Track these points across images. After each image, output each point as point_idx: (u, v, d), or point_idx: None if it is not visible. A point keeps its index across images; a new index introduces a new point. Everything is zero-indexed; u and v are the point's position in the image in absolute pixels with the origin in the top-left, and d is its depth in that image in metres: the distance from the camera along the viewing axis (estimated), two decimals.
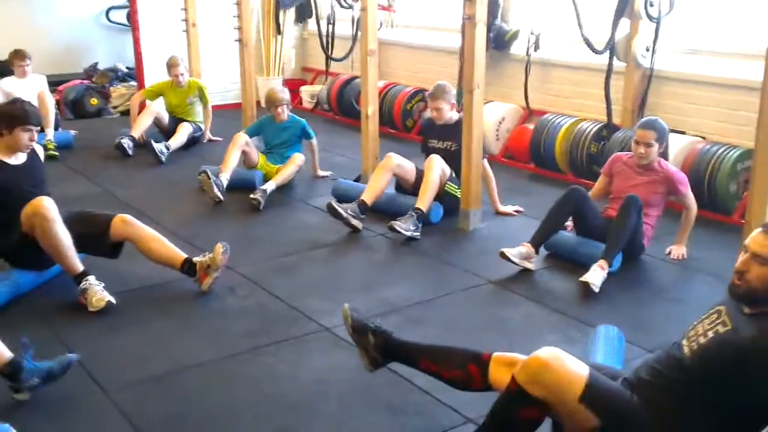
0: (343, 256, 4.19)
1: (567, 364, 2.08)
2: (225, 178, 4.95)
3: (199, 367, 2.96)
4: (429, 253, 4.14)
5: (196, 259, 3.60)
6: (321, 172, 5.50)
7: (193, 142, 6.41)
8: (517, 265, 3.80)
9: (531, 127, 5.82)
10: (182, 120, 6.39)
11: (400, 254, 4.16)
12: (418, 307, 3.48)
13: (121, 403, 2.70)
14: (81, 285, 3.41)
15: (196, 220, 4.66)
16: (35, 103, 5.53)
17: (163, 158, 5.90)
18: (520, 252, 3.82)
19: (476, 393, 2.42)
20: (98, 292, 3.39)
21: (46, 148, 5.86)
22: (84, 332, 3.22)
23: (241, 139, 5.13)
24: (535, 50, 5.88)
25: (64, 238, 3.39)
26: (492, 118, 5.96)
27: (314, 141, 5.45)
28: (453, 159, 4.54)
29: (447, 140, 4.67)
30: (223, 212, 4.78)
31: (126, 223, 3.61)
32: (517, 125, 6.05)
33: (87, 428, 2.61)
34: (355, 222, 4.34)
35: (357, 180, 5.23)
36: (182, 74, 6.38)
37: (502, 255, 3.79)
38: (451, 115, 4.66)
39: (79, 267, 3.45)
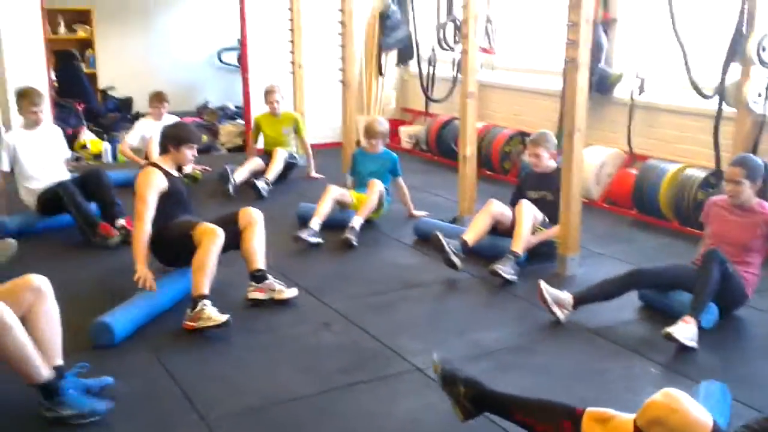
0: (437, 296, 4.19)
1: (692, 410, 2.01)
2: (317, 223, 4.93)
3: (294, 401, 3.01)
4: (524, 297, 4.08)
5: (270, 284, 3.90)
6: (416, 212, 5.52)
7: (289, 168, 6.52)
8: (547, 307, 3.68)
9: (634, 172, 5.68)
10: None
11: (495, 297, 4.13)
12: (511, 353, 3.43)
13: (217, 431, 2.78)
14: (197, 306, 3.57)
15: (293, 255, 4.75)
16: None
17: (265, 193, 6.08)
18: (557, 296, 3.70)
19: None
20: (215, 311, 3.56)
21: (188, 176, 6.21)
22: (185, 359, 3.34)
23: (334, 191, 5.13)
24: (640, 94, 5.77)
25: (210, 261, 3.68)
26: (593, 162, 5.86)
27: (401, 180, 5.49)
28: (546, 208, 4.52)
29: (543, 190, 4.64)
30: (318, 248, 4.86)
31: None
32: (619, 170, 5.93)
33: None
34: (455, 259, 4.32)
35: (453, 221, 5.24)
36: (278, 102, 6.57)
37: (540, 294, 3.69)
38: (549, 163, 4.64)
39: (207, 288, 3.64)
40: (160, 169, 3.99)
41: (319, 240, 4.85)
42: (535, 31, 7.11)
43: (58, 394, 2.77)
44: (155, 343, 3.49)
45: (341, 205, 5.20)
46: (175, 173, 4.10)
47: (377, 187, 5.13)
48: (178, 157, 4.06)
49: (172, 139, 4.06)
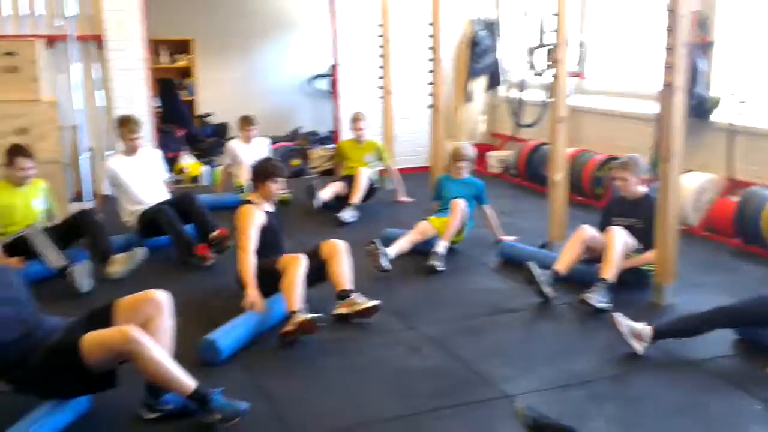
0: (527, 322, 4.13)
1: None
2: (393, 252, 4.92)
3: (381, 423, 3.02)
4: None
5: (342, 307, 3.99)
6: (505, 238, 5.47)
7: (372, 189, 6.56)
8: (624, 338, 3.56)
9: (735, 199, 5.46)
10: None
11: (586, 325, 4.03)
12: (606, 383, 3.34)
13: None
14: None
15: (381, 280, 4.76)
16: None
17: (349, 220, 6.11)
18: (634, 328, 3.57)
19: None
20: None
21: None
22: (278, 378, 3.42)
23: (420, 229, 5.14)
24: (740, 119, 5.56)
25: (297, 281, 3.88)
26: (691, 188, 5.67)
27: (488, 208, 5.45)
28: (635, 236, 4.40)
29: (631, 217, 4.52)
30: (405, 272, 4.85)
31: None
32: (720, 197, 5.71)
33: None
34: (547, 290, 4.26)
35: (542, 247, 5.16)
36: (363, 129, 6.67)
37: (612, 321, 3.60)
38: (637, 189, 4.53)
39: (299, 303, 3.84)
40: (257, 205, 4.21)
41: (389, 267, 4.79)
42: (626, 54, 6.97)
43: (208, 401, 2.86)
44: (250, 362, 3.57)
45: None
46: (269, 208, 4.29)
47: (460, 206, 5.10)
48: (266, 192, 4.26)
49: (259, 175, 4.28)
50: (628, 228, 4.44)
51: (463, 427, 3.00)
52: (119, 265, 4.69)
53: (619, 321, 3.59)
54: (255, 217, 4.13)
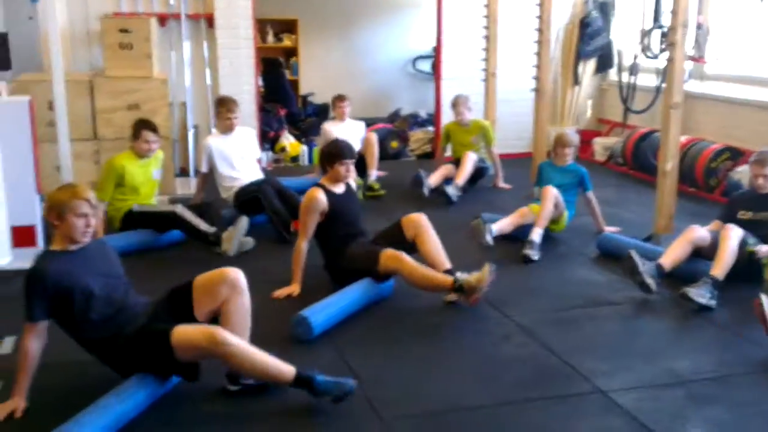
0: (626, 316, 3.95)
1: None
2: (494, 231, 4.90)
3: (471, 410, 2.97)
4: (726, 326, 3.75)
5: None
6: (608, 228, 5.24)
7: (479, 173, 6.48)
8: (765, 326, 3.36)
9: None
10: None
11: (692, 323, 3.82)
12: (708, 384, 3.15)
13: None
14: (459, 280, 3.84)
15: (477, 265, 4.67)
16: (358, 146, 6.22)
17: (455, 199, 6.08)
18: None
19: None
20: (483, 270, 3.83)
21: (371, 188, 6.39)
22: (368, 360, 3.40)
23: (521, 214, 5.07)
24: None
25: (418, 271, 3.95)
26: None
27: (592, 194, 5.26)
28: (761, 229, 4.17)
29: (762, 210, 4.27)
30: (500, 261, 4.67)
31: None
32: None
33: None
34: (650, 281, 4.03)
35: (647, 239, 4.93)
36: (463, 114, 6.54)
37: (758, 310, 3.40)
38: None
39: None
40: (324, 188, 4.18)
41: (491, 243, 4.82)
42: (752, 39, 6.53)
43: (314, 386, 2.87)
44: (342, 342, 3.58)
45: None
46: (339, 190, 4.25)
47: (551, 193, 4.93)
48: (335, 174, 4.21)
49: (326, 158, 4.25)
50: (757, 222, 4.22)
51: (552, 419, 2.90)
52: (228, 242, 4.79)
53: (765, 304, 3.41)
54: (314, 204, 4.10)
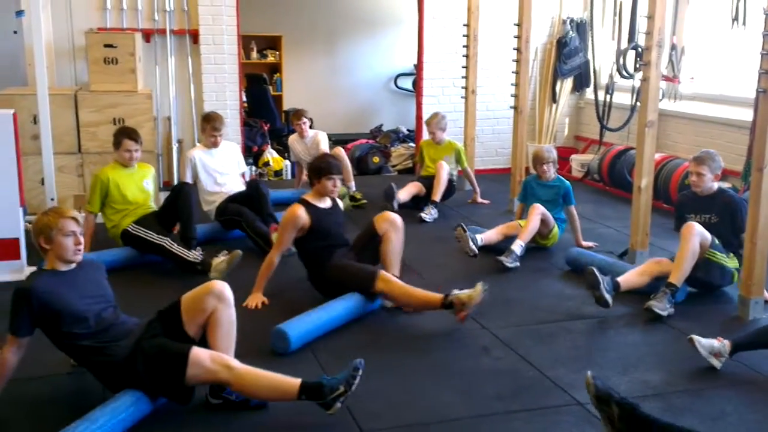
0: (601, 330, 4.05)
1: None
2: (481, 238, 5.05)
3: (450, 422, 3.03)
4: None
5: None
6: (584, 243, 5.36)
7: (451, 188, 6.52)
8: (703, 357, 3.46)
9: None
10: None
11: (663, 336, 3.92)
12: (683, 396, 3.25)
13: None
14: (450, 296, 3.89)
15: (456, 277, 4.74)
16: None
17: (430, 219, 6.14)
18: (712, 346, 3.47)
19: None
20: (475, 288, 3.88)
21: (354, 198, 6.49)
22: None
23: (507, 225, 5.29)
24: None
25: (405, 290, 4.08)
26: None
27: (574, 209, 5.37)
28: (713, 232, 4.28)
29: (705, 213, 4.42)
30: (480, 272, 4.79)
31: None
32: None
33: None
34: (608, 296, 4.11)
35: (622, 255, 5.05)
36: (434, 133, 6.58)
37: (691, 341, 3.49)
38: (711, 185, 4.42)
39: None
40: (307, 204, 4.23)
41: (476, 251, 4.97)
42: (724, 60, 6.71)
43: (323, 385, 2.90)
44: (323, 355, 3.64)
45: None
46: (324, 205, 4.30)
47: (537, 210, 5.07)
48: (321, 189, 4.27)
49: (313, 172, 4.31)
50: (704, 224, 4.33)
51: (531, 431, 2.97)
52: (216, 273, 4.61)
53: (698, 343, 3.50)
54: (294, 220, 4.15)
